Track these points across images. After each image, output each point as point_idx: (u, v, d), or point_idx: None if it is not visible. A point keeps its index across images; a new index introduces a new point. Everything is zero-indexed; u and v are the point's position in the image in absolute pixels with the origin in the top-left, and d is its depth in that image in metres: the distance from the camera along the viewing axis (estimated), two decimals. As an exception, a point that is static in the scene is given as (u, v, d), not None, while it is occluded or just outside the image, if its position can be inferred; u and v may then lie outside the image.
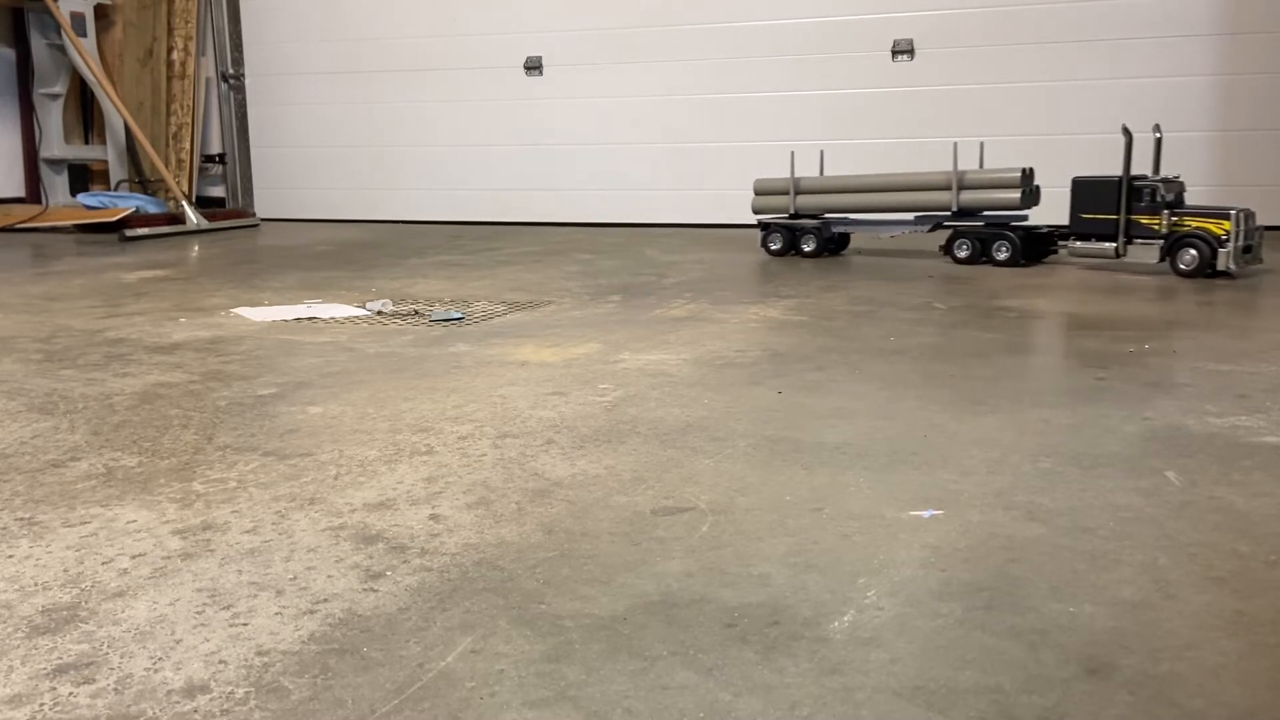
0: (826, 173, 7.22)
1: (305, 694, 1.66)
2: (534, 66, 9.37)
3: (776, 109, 8.68)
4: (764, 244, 7.08)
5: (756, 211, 7.27)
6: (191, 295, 5.68)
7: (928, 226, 6.77)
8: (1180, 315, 4.70)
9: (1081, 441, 2.88)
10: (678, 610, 1.92)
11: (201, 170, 10.52)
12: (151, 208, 9.40)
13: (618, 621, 1.88)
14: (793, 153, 7.08)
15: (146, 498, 2.55)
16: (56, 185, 10.61)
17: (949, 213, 6.64)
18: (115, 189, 10.16)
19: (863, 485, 2.57)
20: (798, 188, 7.07)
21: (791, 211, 7.04)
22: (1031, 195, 6.51)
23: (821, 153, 7.31)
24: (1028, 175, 6.53)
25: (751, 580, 2.04)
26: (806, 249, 6.91)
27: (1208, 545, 2.18)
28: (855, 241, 7.38)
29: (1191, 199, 6.14)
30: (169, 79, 10.27)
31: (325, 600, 1.98)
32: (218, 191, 10.66)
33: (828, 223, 6.95)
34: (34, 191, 10.62)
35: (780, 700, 1.62)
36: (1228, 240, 5.60)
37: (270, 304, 5.31)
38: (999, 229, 6.46)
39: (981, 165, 6.71)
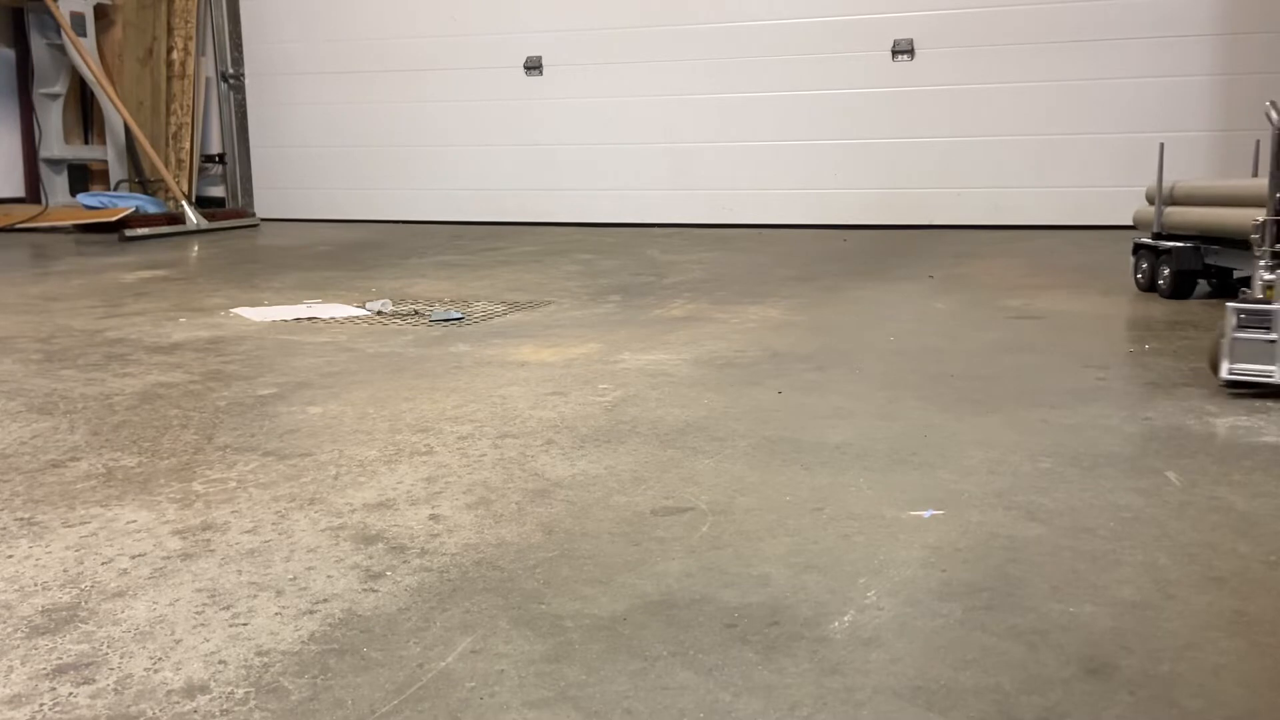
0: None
1: (305, 694, 1.66)
2: (534, 66, 9.36)
3: (776, 109, 8.67)
4: (1135, 273, 5.29)
5: (1136, 225, 5.45)
6: (191, 295, 5.68)
7: None
8: (1182, 315, 4.70)
9: (1081, 441, 2.88)
10: (678, 610, 1.92)
11: (201, 170, 10.51)
12: (151, 208, 9.39)
13: (618, 621, 1.88)
14: (1161, 145, 5.12)
15: (146, 498, 2.55)
16: (56, 185, 10.61)
17: None
18: (115, 189, 10.16)
19: (863, 485, 2.57)
20: (1169, 196, 5.09)
21: (1155, 230, 5.10)
22: None
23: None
24: None
25: (751, 580, 2.04)
26: (1161, 285, 4.91)
27: (1208, 545, 2.18)
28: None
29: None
30: (169, 79, 10.26)
31: (325, 600, 1.98)
32: (218, 191, 10.66)
33: (1198, 249, 4.88)
34: (34, 191, 10.62)
35: (780, 700, 1.62)
36: None
37: (270, 304, 5.31)
38: None
39: None
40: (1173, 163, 6.43)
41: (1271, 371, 3.32)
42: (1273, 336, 3.33)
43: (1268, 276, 3.48)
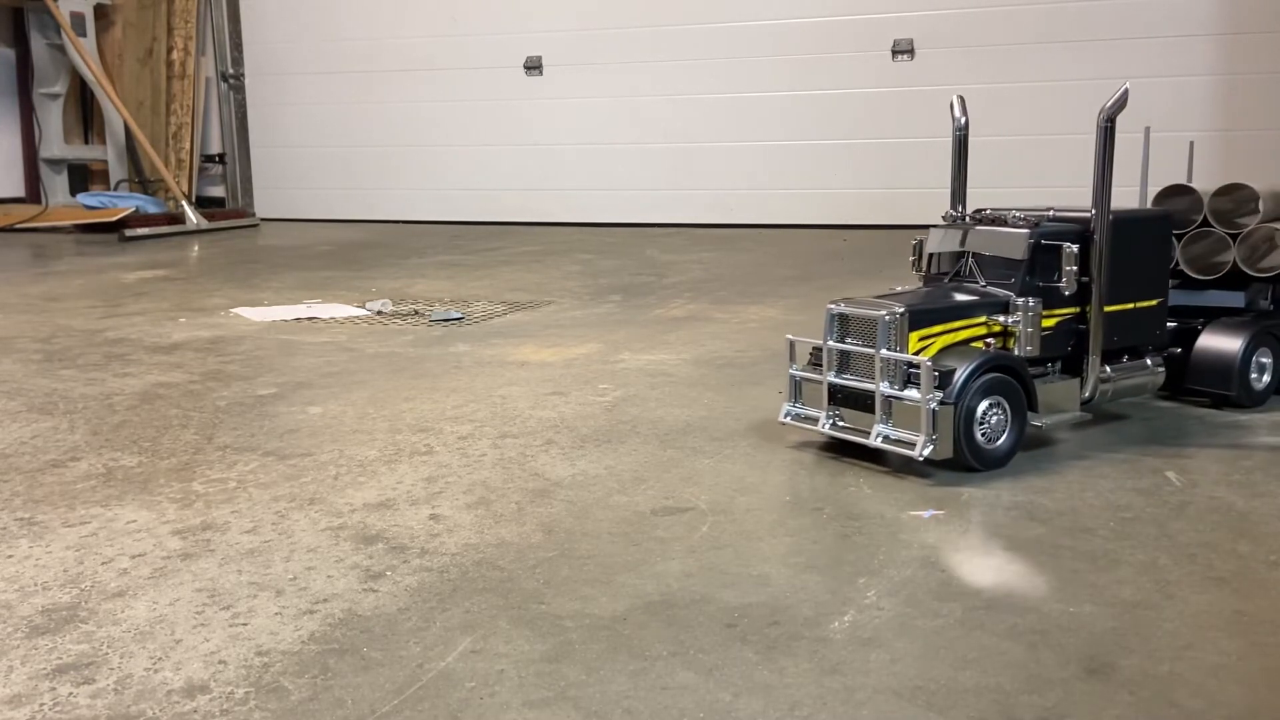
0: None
1: (305, 694, 1.66)
2: (534, 66, 9.36)
3: (776, 109, 8.67)
4: None
5: None
6: (191, 295, 5.67)
7: None
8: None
9: (1080, 442, 2.88)
10: (678, 610, 1.92)
11: (201, 170, 10.51)
12: (151, 208, 9.38)
13: (618, 621, 1.88)
14: (1191, 144, 3.96)
15: (146, 498, 2.55)
16: (56, 185, 10.60)
17: None
18: (115, 189, 10.15)
19: (863, 485, 2.57)
20: None
21: None
22: None
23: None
24: None
25: (751, 580, 2.04)
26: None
27: (1208, 545, 2.18)
28: None
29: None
30: (169, 79, 10.27)
31: (325, 600, 1.98)
32: (217, 191, 10.65)
33: None
34: (34, 191, 10.61)
35: (780, 700, 1.62)
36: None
37: (270, 304, 5.31)
38: None
39: None
40: (1171, 162, 6.40)
41: (817, 418, 2.78)
42: (819, 377, 2.78)
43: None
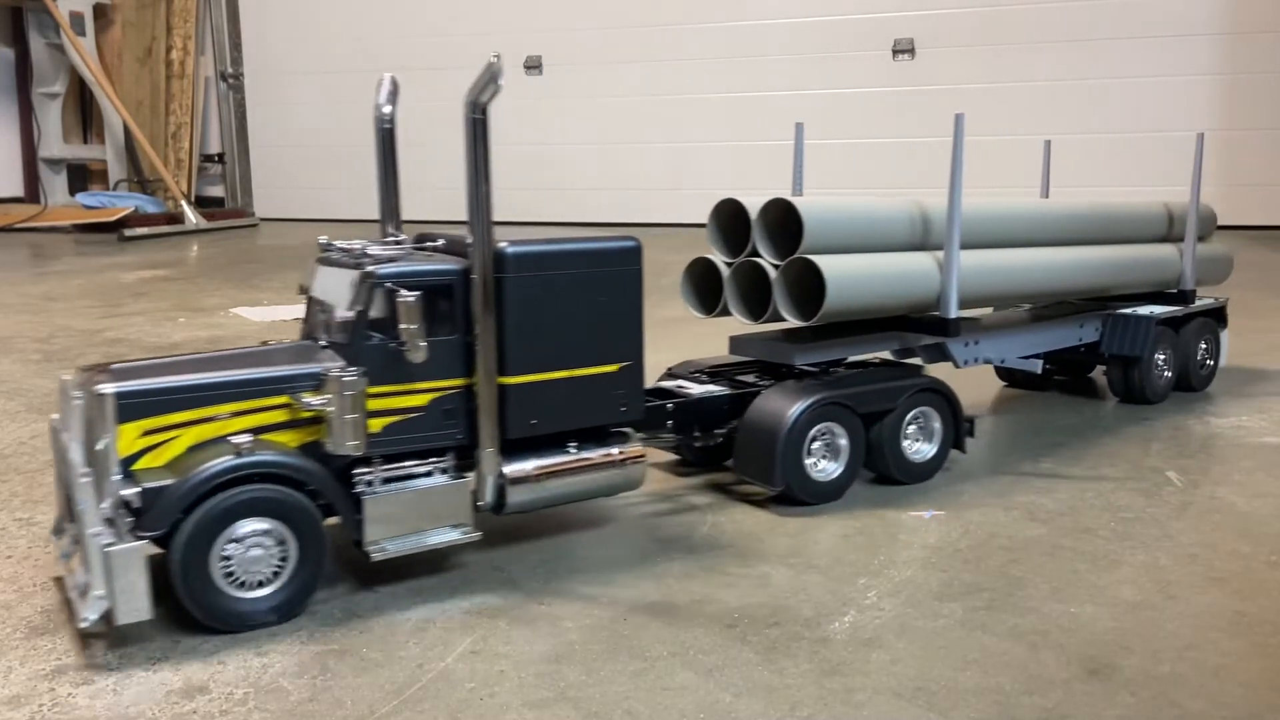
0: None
1: (304, 694, 1.66)
2: (534, 66, 9.37)
3: (776, 109, 8.67)
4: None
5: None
6: (190, 295, 5.67)
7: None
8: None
9: (1080, 442, 2.88)
10: (678, 610, 1.92)
11: (200, 170, 10.51)
12: (150, 207, 9.39)
13: (618, 621, 1.88)
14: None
15: (146, 498, 2.54)
16: (55, 185, 10.61)
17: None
18: (114, 188, 10.15)
19: (863, 485, 2.57)
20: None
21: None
22: None
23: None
24: None
25: (751, 580, 2.04)
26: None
27: (1209, 545, 2.18)
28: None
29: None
30: (168, 78, 10.27)
31: (325, 601, 1.98)
32: (217, 191, 10.65)
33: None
34: (33, 191, 10.61)
35: (781, 701, 1.62)
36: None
37: (270, 304, 5.31)
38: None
39: None
40: (1174, 162, 6.38)
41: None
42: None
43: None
